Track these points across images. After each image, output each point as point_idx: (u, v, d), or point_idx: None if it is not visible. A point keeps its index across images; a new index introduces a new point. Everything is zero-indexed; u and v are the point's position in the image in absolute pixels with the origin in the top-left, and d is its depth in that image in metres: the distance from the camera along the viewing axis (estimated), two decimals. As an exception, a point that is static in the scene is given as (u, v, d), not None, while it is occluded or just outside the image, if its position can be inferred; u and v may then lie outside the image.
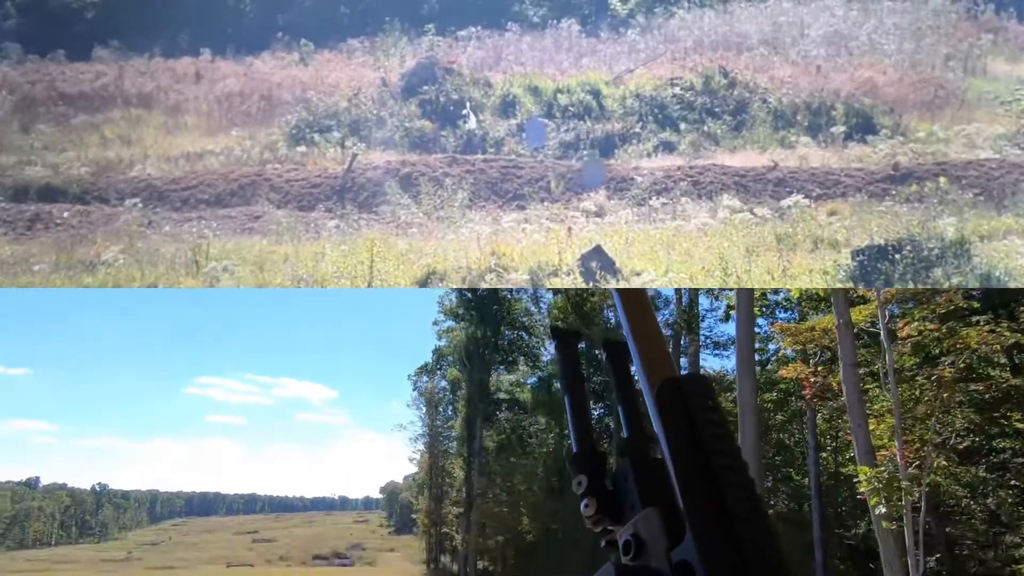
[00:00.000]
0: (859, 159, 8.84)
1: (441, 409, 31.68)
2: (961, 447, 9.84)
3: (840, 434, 14.58)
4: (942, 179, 7.83)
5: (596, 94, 10.01)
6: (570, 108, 9.83)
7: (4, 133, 9.57)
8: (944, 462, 8.35)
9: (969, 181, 7.94)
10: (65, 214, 7.91)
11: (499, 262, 6.79)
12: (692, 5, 12.26)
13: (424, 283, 6.75)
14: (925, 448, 7.23)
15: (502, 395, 25.74)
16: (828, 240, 7.14)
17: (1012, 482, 11.63)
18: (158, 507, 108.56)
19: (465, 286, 6.71)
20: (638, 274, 6.70)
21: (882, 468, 6.80)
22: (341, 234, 7.50)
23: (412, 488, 48.36)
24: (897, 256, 6.45)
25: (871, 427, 7.70)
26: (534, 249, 7.06)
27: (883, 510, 6.73)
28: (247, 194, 8.41)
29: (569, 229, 7.39)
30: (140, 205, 8.00)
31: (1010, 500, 11.51)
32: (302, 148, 9.21)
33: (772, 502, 17.72)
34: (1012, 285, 6.37)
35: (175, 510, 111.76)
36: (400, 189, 8.31)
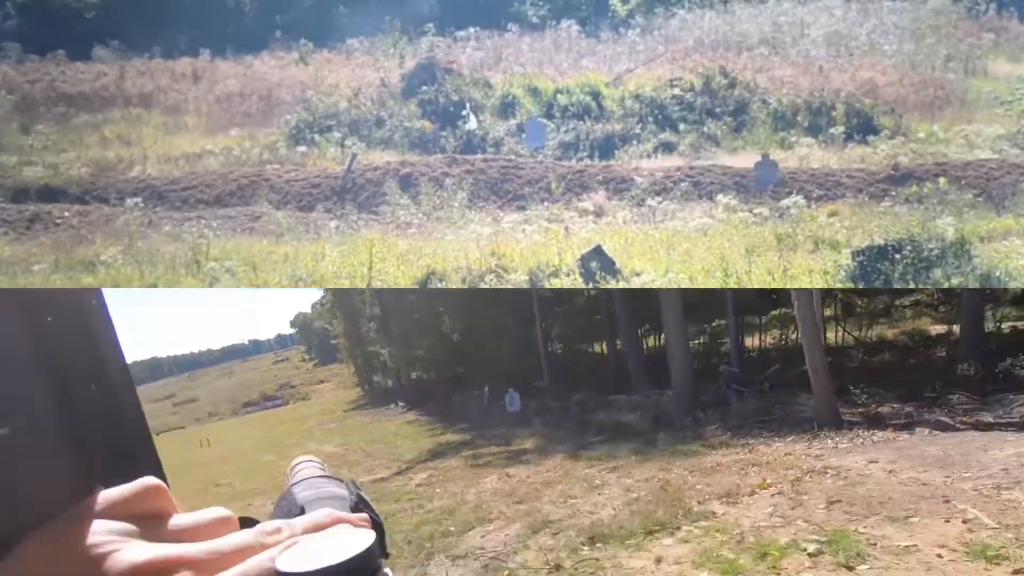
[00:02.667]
0: (859, 159, 8.83)
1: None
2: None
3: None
4: (942, 180, 7.82)
5: (596, 95, 10.01)
6: (570, 108, 9.82)
7: (4, 133, 9.57)
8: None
9: (969, 181, 7.93)
10: (65, 214, 7.91)
11: (499, 262, 6.78)
12: (692, 5, 12.25)
13: (424, 283, 6.74)
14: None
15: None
16: (828, 240, 7.13)
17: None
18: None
19: (465, 286, 6.71)
20: (638, 274, 6.69)
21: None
22: (341, 234, 7.49)
23: (324, 314, 46.73)
24: (897, 256, 6.45)
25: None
26: (534, 249, 7.06)
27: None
28: (247, 194, 8.40)
29: (567, 229, 7.39)
30: (140, 205, 7.99)
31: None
32: (302, 148, 9.20)
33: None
34: (1012, 285, 6.36)
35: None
36: (400, 189, 8.30)
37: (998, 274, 6.38)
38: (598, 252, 6.64)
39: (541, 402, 18.00)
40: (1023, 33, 11.30)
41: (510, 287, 6.83)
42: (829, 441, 9.44)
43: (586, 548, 6.32)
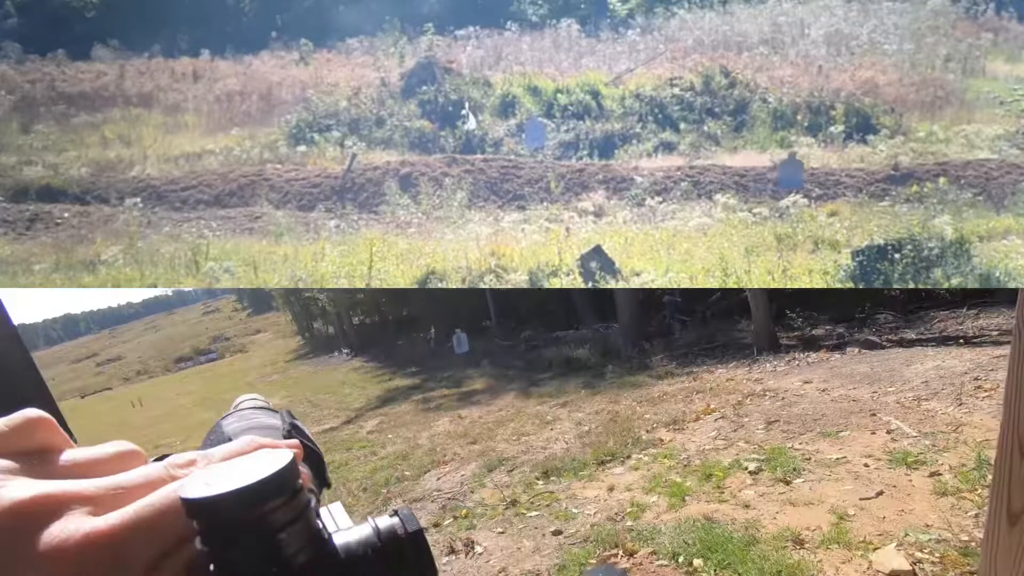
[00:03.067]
0: (859, 159, 8.83)
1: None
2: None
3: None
4: (942, 179, 7.83)
5: (596, 94, 10.01)
6: (569, 108, 9.83)
7: (4, 133, 9.57)
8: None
9: (968, 181, 7.94)
10: (65, 214, 7.91)
11: (498, 262, 6.78)
12: (692, 5, 12.25)
13: (424, 283, 6.75)
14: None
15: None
16: (828, 240, 7.13)
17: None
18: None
19: (464, 286, 6.72)
20: (638, 274, 6.69)
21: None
22: (341, 234, 7.50)
23: (255, 260, 45.42)
24: (897, 256, 6.45)
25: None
26: (533, 249, 7.06)
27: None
28: (246, 194, 8.40)
29: (567, 229, 7.39)
30: (140, 205, 8.00)
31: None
32: (302, 148, 9.20)
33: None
34: (1012, 285, 6.36)
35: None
36: (400, 189, 8.31)
37: (998, 274, 6.38)
38: (598, 252, 6.64)
39: (489, 342, 17.77)
40: (1022, 33, 11.30)
41: (510, 287, 6.84)
42: (768, 365, 9.78)
43: (540, 482, 6.52)
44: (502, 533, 5.43)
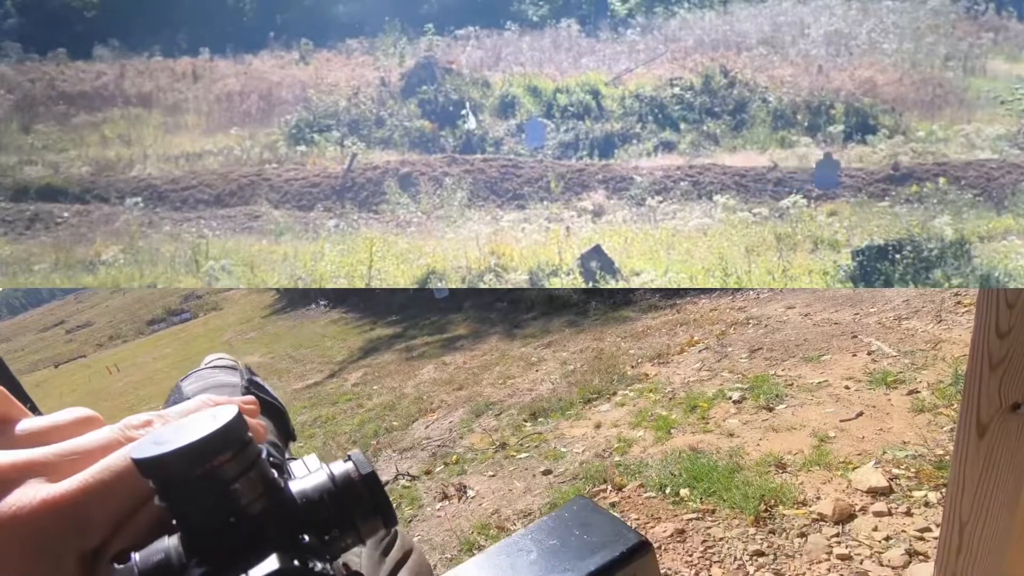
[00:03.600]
0: (859, 159, 8.83)
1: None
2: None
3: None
4: (942, 179, 7.83)
5: (596, 94, 10.01)
6: (569, 108, 9.83)
7: (4, 133, 9.57)
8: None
9: (968, 181, 7.93)
10: (65, 214, 7.91)
11: (498, 261, 6.78)
12: (692, 5, 12.24)
13: (424, 283, 6.75)
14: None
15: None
16: (828, 240, 7.13)
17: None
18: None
19: (464, 286, 6.72)
20: (637, 274, 6.69)
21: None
22: (340, 233, 7.50)
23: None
24: (897, 256, 6.45)
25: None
26: (533, 248, 7.06)
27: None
28: (246, 194, 8.41)
29: (567, 229, 7.38)
30: (140, 205, 8.00)
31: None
32: (302, 148, 9.21)
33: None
34: (1012, 285, 6.36)
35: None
36: (399, 188, 8.31)
37: (998, 274, 6.38)
38: (597, 251, 6.64)
39: None
40: (1022, 32, 11.30)
41: (510, 287, 6.83)
42: (751, 292, 9.78)
43: (528, 424, 6.59)
44: (493, 476, 5.50)
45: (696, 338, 7.76)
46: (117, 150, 9.34)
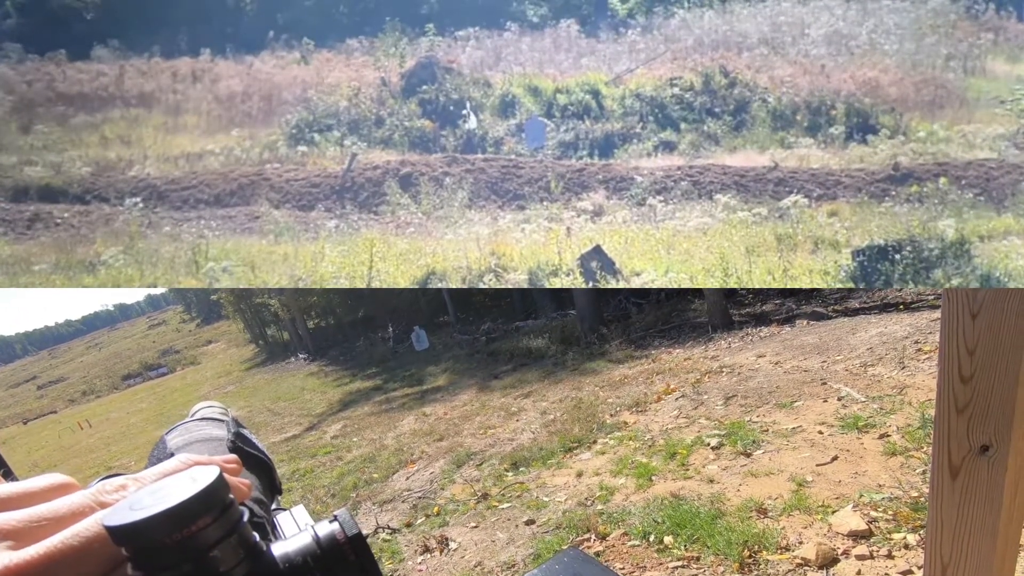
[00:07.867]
0: (859, 159, 8.83)
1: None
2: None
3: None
4: (942, 179, 7.82)
5: (596, 94, 10.01)
6: (569, 108, 9.82)
7: (4, 133, 9.57)
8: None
9: (969, 181, 7.93)
10: (65, 214, 7.91)
11: (498, 262, 6.78)
12: (692, 5, 12.24)
13: (424, 283, 6.74)
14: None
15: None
16: (828, 240, 7.13)
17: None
18: None
19: (464, 286, 6.72)
20: (638, 274, 6.69)
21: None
22: (340, 234, 7.49)
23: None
24: (897, 256, 6.44)
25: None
26: (533, 249, 7.06)
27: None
28: (247, 194, 8.41)
29: (568, 229, 7.38)
30: (140, 205, 7.99)
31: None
32: (302, 148, 9.20)
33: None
34: (1012, 285, 6.36)
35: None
36: (400, 189, 8.30)
37: (998, 274, 6.37)
38: (598, 251, 6.63)
39: (448, 337, 17.69)
40: (1022, 32, 11.29)
41: (510, 287, 6.83)
42: (723, 342, 9.94)
43: (510, 474, 6.57)
44: (475, 527, 5.47)
45: (672, 386, 7.78)
46: (117, 150, 9.33)
